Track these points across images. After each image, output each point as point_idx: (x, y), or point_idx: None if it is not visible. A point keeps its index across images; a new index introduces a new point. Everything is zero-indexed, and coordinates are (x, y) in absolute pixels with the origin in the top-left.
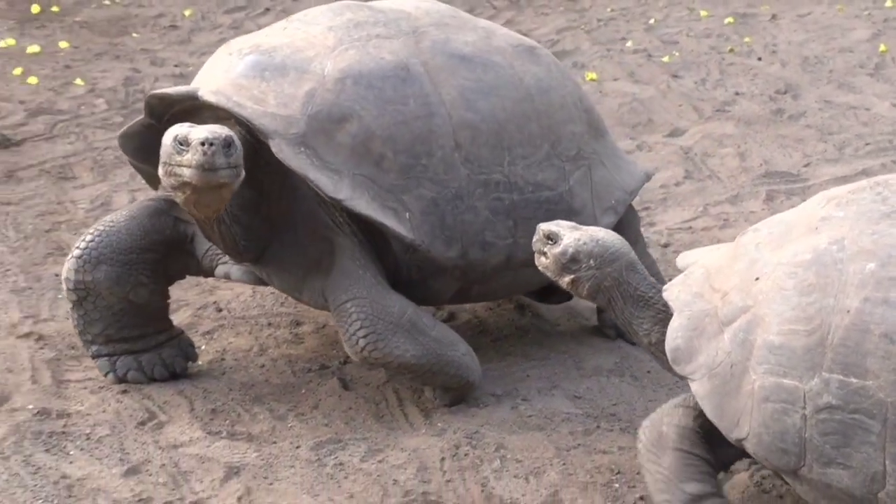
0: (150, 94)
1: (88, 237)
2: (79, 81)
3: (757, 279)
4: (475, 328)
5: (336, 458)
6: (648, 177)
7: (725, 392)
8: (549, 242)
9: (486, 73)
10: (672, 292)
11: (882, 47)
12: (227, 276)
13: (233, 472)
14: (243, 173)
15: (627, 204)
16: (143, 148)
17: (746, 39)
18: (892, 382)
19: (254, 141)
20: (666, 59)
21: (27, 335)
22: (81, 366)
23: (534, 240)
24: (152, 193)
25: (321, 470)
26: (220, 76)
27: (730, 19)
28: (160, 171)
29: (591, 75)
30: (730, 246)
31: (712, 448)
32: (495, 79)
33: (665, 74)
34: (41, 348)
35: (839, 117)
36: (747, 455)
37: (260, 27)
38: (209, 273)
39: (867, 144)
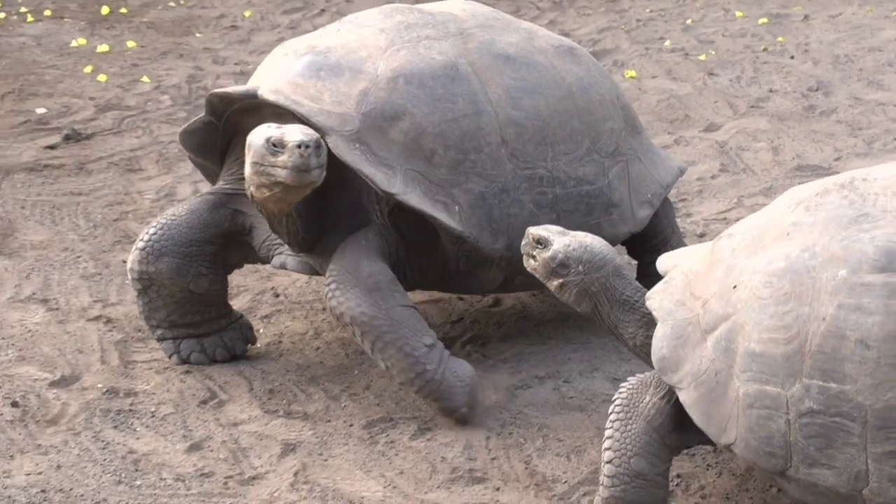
0: (211, 93)
1: (151, 230)
2: (145, 79)
3: (735, 287)
4: (519, 313)
5: (387, 436)
6: (682, 171)
7: (711, 399)
8: (539, 247)
9: (529, 72)
10: (655, 301)
11: None
12: (283, 266)
13: (289, 448)
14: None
15: (663, 197)
16: (203, 144)
17: (780, 39)
18: (870, 386)
19: None
20: (702, 57)
21: (96, 318)
22: (147, 347)
23: (523, 243)
24: (211, 186)
25: (373, 447)
26: (277, 76)
27: (764, 20)
28: (248, 171)
29: (631, 73)
30: (707, 250)
31: (683, 430)
32: (538, 78)
33: (701, 72)
34: (109, 331)
35: (868, 113)
36: (711, 443)
37: (316, 27)
38: (266, 262)
39: (895, 139)
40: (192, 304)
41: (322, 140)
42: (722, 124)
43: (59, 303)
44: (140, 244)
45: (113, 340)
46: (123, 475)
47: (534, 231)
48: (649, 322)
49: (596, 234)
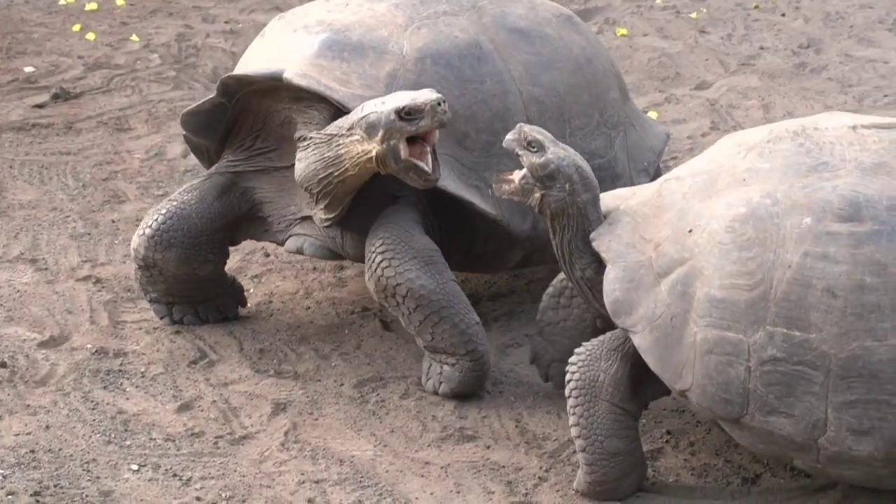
0: (229, 75)
1: (160, 218)
2: (134, 37)
3: (690, 231)
4: (510, 272)
5: (378, 395)
6: (668, 136)
7: (667, 344)
8: (531, 150)
9: (543, 46)
10: (602, 242)
11: None
12: (299, 251)
13: (280, 408)
14: None
15: (657, 165)
16: (206, 125)
17: None
18: (835, 335)
19: (335, 117)
20: (694, 15)
21: (86, 278)
22: (137, 307)
23: (510, 138)
24: (216, 164)
25: (363, 406)
26: (295, 55)
27: None
28: (379, 148)
29: (622, 31)
30: (651, 193)
31: (640, 389)
32: (551, 52)
33: (693, 30)
34: (98, 291)
35: (859, 70)
36: (667, 393)
37: None
38: (277, 241)
39: (885, 96)
40: (193, 282)
41: None
42: (713, 82)
43: (48, 263)
44: (148, 231)
45: (102, 300)
46: (113, 435)
47: (528, 130)
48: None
49: None
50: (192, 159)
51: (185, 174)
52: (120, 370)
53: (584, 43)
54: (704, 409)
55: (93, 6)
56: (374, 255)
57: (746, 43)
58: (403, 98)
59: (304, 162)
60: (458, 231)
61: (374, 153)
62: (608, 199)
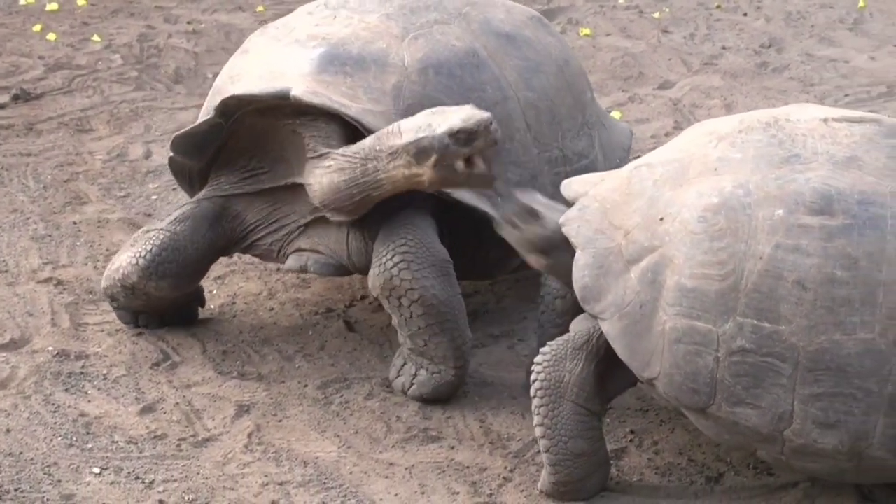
0: (231, 95)
1: (154, 249)
2: (96, 38)
3: (662, 219)
4: None
5: (342, 396)
6: (632, 133)
7: (636, 332)
8: (531, 219)
9: (528, 50)
10: (572, 227)
11: (861, 3)
12: (303, 269)
13: (243, 410)
14: None
15: (627, 161)
16: (199, 146)
17: None
18: (805, 328)
19: (348, 133)
20: (656, 15)
21: (47, 280)
22: (99, 310)
23: (509, 212)
24: (205, 189)
25: (327, 408)
26: (293, 72)
27: None
28: (438, 175)
29: (586, 31)
30: (620, 179)
31: (604, 387)
32: (535, 55)
33: (655, 30)
34: (60, 293)
35: (820, 70)
36: (632, 385)
37: None
38: (272, 259)
39: (846, 96)
40: (172, 301)
41: None
42: (676, 82)
43: (9, 265)
44: (142, 262)
45: (63, 302)
46: (75, 438)
47: (525, 202)
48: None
49: None
50: (155, 160)
51: (148, 175)
52: (82, 372)
53: (558, 44)
54: (671, 398)
55: (53, 6)
56: (391, 254)
57: (709, 42)
58: (454, 120)
59: (328, 180)
60: (464, 239)
61: (425, 176)
62: (576, 184)
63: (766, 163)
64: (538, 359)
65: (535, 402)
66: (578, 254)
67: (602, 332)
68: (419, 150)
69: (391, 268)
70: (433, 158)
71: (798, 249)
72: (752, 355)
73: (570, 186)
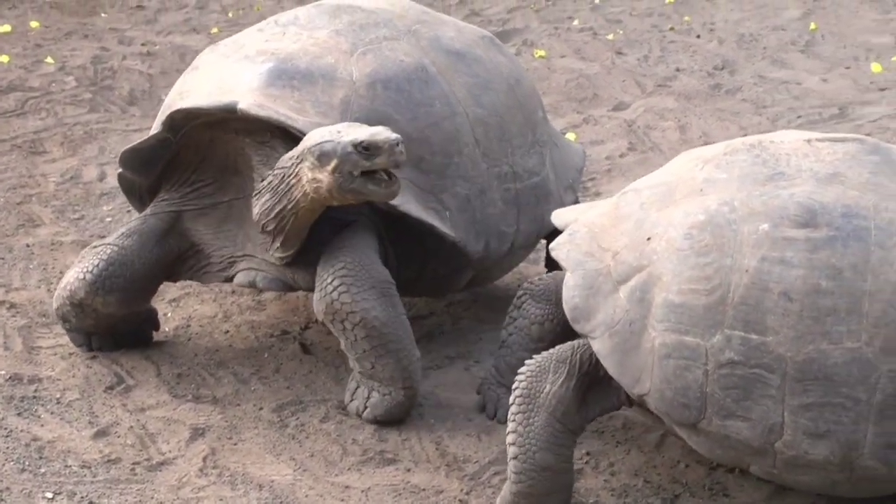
0: (177, 108)
1: (101, 264)
2: (49, 60)
3: (649, 239)
4: None
5: (297, 419)
6: (585, 154)
7: (626, 350)
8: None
9: (478, 67)
10: (562, 251)
11: (812, 25)
12: (252, 285)
13: (198, 433)
14: None
15: (579, 182)
16: (147, 161)
17: (686, 18)
18: (791, 338)
19: (291, 147)
20: (610, 36)
21: None
22: (52, 333)
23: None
24: (152, 205)
25: (283, 430)
26: (241, 87)
27: None
28: (335, 182)
29: (540, 52)
30: (609, 205)
31: (584, 407)
32: (486, 73)
33: (610, 52)
34: (13, 316)
35: (773, 92)
36: (614, 409)
37: (224, 7)
38: (220, 280)
39: (799, 117)
40: (121, 317)
41: None
42: (630, 103)
43: None
44: (88, 276)
45: (16, 326)
46: (27, 463)
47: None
48: None
49: (540, 224)
50: (109, 182)
51: (102, 197)
52: (34, 396)
53: (509, 64)
54: (663, 414)
55: (6, 28)
56: (331, 277)
57: (662, 64)
58: (362, 132)
59: (261, 199)
60: (411, 254)
61: (324, 182)
62: (566, 213)
63: (750, 181)
64: (523, 368)
65: (513, 408)
66: (568, 276)
67: (585, 348)
68: (322, 154)
69: (331, 291)
70: (333, 164)
71: (783, 261)
72: (740, 367)
73: (559, 216)
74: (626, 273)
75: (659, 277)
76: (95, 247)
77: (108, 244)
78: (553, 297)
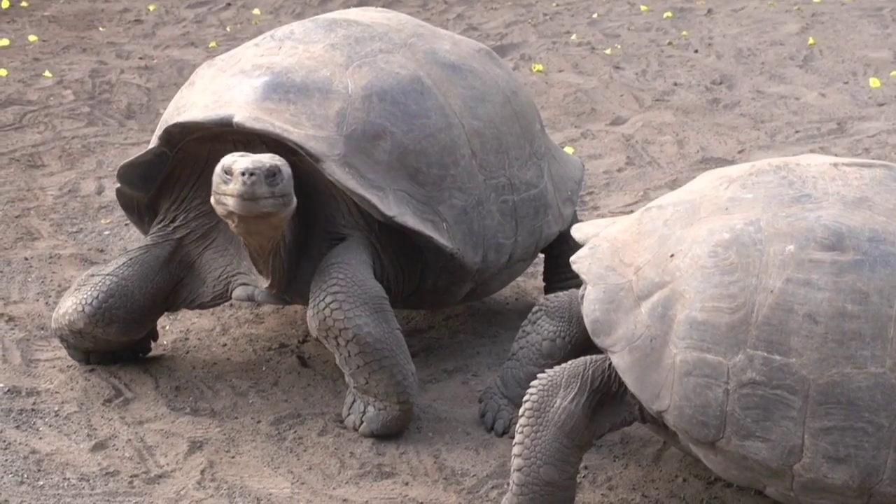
0: (174, 122)
1: (101, 295)
2: (47, 73)
3: (672, 256)
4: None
5: (295, 432)
6: (584, 166)
7: (646, 365)
8: None
9: (474, 80)
10: (583, 265)
11: (811, 40)
12: (250, 299)
13: (196, 446)
14: (294, 202)
15: (578, 194)
16: (144, 177)
17: (684, 33)
18: (815, 361)
19: (292, 162)
20: (608, 51)
21: None
22: (50, 346)
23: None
24: (153, 227)
25: (281, 443)
26: (238, 100)
27: (668, 14)
28: (212, 200)
29: (538, 67)
30: (631, 221)
31: (592, 424)
32: (482, 85)
33: (608, 66)
34: (11, 329)
35: (771, 106)
36: (624, 425)
37: (222, 21)
38: (220, 299)
39: (797, 132)
40: (119, 344)
41: (280, 168)
42: (628, 118)
43: None
44: (88, 308)
45: (15, 339)
46: (26, 476)
47: None
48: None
49: (539, 236)
50: (107, 196)
51: (100, 211)
52: (33, 409)
53: (506, 76)
54: (681, 431)
55: (4, 42)
56: (324, 293)
57: (661, 79)
58: (235, 158)
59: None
60: (409, 267)
61: (211, 200)
62: (588, 227)
63: (777, 202)
64: (535, 382)
65: (521, 420)
66: (589, 289)
67: (598, 364)
68: (217, 170)
69: (324, 308)
70: (213, 184)
71: (809, 283)
72: (762, 388)
73: (580, 230)
74: (649, 289)
75: (682, 294)
76: (94, 276)
77: (108, 275)
78: (567, 315)
